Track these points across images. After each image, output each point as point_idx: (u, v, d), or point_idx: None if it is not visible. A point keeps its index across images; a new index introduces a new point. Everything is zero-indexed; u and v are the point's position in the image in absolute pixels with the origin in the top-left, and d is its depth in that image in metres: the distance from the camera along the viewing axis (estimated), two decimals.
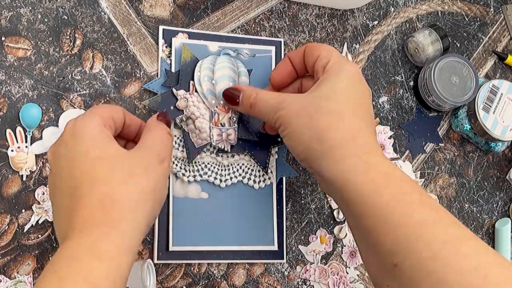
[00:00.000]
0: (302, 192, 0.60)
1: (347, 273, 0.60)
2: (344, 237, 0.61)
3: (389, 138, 0.64)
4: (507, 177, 0.69)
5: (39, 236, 0.52)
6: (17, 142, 0.51)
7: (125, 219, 0.39)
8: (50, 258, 0.52)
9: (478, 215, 0.67)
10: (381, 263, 0.42)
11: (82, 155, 0.41)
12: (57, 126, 0.53)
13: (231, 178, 0.57)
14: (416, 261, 0.39)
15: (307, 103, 0.46)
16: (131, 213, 0.40)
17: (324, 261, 0.60)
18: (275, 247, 0.58)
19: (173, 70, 0.57)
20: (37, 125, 0.52)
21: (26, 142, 0.52)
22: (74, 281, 0.36)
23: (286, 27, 0.63)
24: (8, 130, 0.52)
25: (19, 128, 0.52)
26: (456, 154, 0.68)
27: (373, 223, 0.42)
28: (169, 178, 0.55)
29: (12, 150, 0.51)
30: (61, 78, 0.54)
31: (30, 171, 0.52)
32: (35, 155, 0.52)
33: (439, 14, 0.70)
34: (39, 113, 0.52)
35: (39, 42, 0.54)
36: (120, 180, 0.40)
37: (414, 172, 0.65)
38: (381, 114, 0.65)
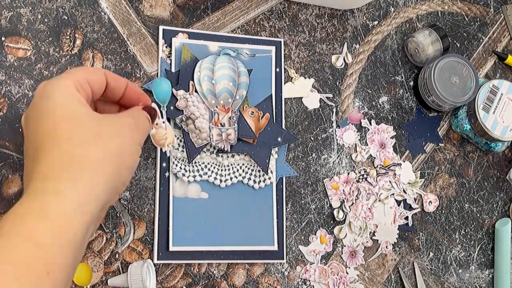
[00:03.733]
0: (302, 192, 0.60)
1: (347, 273, 0.60)
2: (344, 237, 0.61)
3: (391, 138, 0.64)
4: (507, 177, 0.69)
5: None
6: (156, 119, 0.50)
7: (82, 178, 0.37)
8: None
9: (478, 215, 0.67)
10: None
11: (48, 114, 0.39)
12: None
13: (231, 178, 0.57)
14: None
15: None
16: (89, 173, 0.38)
17: (324, 261, 0.60)
18: (275, 247, 0.58)
19: (173, 70, 0.57)
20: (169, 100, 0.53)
21: (162, 117, 0.51)
22: (14, 237, 0.34)
23: (286, 27, 0.63)
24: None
25: (154, 105, 0.49)
26: (456, 154, 0.68)
27: None
28: (168, 178, 0.55)
29: (151, 128, 0.49)
30: None
31: (172, 146, 0.52)
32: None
33: (439, 14, 0.70)
34: (169, 87, 0.52)
35: (39, 42, 0.54)
36: (84, 140, 0.38)
37: (414, 172, 0.65)
38: (381, 114, 0.65)
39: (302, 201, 0.60)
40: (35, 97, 0.41)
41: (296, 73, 0.62)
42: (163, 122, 0.51)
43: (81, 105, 0.40)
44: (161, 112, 0.51)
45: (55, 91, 0.40)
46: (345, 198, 0.62)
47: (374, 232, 0.62)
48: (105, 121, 0.41)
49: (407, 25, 0.68)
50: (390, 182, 0.64)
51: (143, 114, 0.46)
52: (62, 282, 0.35)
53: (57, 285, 0.34)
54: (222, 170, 0.57)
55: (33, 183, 0.37)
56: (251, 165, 0.58)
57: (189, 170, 0.56)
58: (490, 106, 0.65)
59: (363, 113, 0.64)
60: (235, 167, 0.57)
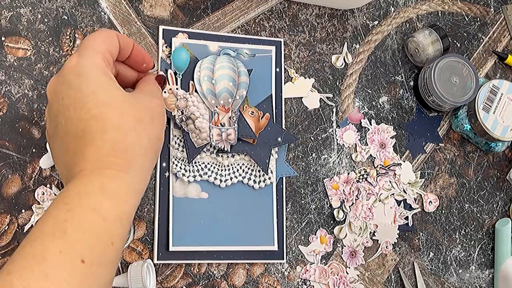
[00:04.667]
0: (302, 192, 0.60)
1: (347, 273, 0.60)
2: (344, 237, 0.61)
3: (391, 138, 0.64)
4: (507, 177, 0.69)
5: None
6: (169, 84, 0.55)
7: (134, 164, 0.41)
8: None
9: (478, 215, 0.67)
10: None
11: (90, 97, 0.41)
12: None
13: (231, 178, 0.57)
14: None
15: None
16: (140, 159, 0.42)
17: (324, 261, 0.60)
18: (275, 247, 0.58)
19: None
20: (185, 69, 0.56)
21: (176, 84, 0.55)
22: (84, 212, 0.37)
23: (286, 27, 0.63)
24: (161, 73, 0.55)
25: (170, 71, 0.55)
26: (456, 154, 0.68)
27: None
28: (168, 178, 0.55)
29: (165, 92, 0.55)
30: None
31: (181, 112, 0.55)
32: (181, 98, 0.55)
33: (439, 14, 0.70)
34: (188, 56, 0.56)
35: (39, 42, 0.54)
36: (131, 127, 0.41)
37: (414, 172, 0.65)
38: (381, 114, 0.65)
39: (302, 201, 0.60)
40: (66, 72, 0.42)
41: (296, 73, 0.62)
42: (177, 89, 0.55)
43: (118, 88, 0.43)
44: (176, 79, 0.55)
45: (91, 72, 0.42)
46: (345, 198, 0.62)
47: (374, 232, 0.62)
48: (143, 105, 0.44)
49: (407, 25, 0.68)
50: (390, 182, 0.64)
51: (159, 88, 0.50)
52: (121, 251, 0.39)
53: (118, 253, 0.39)
54: (222, 170, 0.57)
55: (88, 165, 0.40)
56: (251, 165, 0.58)
57: (189, 170, 0.56)
58: (490, 106, 0.65)
59: (363, 113, 0.64)
60: (235, 167, 0.57)
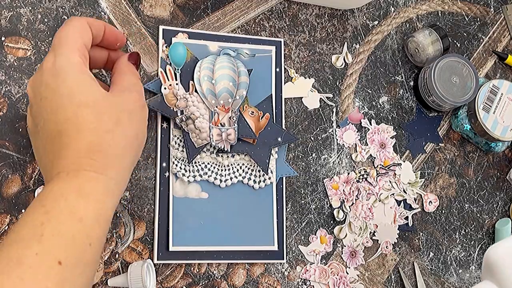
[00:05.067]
0: (302, 192, 0.60)
1: (347, 273, 0.60)
2: (344, 237, 0.61)
3: (391, 138, 0.64)
4: (507, 177, 0.69)
5: None
6: (169, 80, 0.55)
7: (112, 166, 0.41)
8: None
9: (478, 215, 0.67)
10: None
11: (66, 99, 0.40)
12: None
13: (231, 178, 0.57)
14: None
15: None
16: (118, 160, 0.41)
17: (324, 261, 0.60)
18: (275, 247, 0.58)
19: None
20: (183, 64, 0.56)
21: (176, 80, 0.55)
22: (60, 214, 0.37)
23: (286, 27, 0.63)
24: (160, 70, 0.55)
25: (168, 67, 0.55)
26: (456, 154, 0.68)
27: None
28: (168, 178, 0.55)
29: (165, 88, 0.55)
30: None
31: (181, 111, 0.55)
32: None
33: (439, 14, 0.70)
34: (185, 51, 0.56)
35: (39, 42, 0.54)
36: (107, 128, 0.40)
37: (414, 172, 0.65)
38: (381, 114, 0.65)
39: (302, 201, 0.60)
40: (44, 72, 0.41)
41: (296, 73, 0.62)
42: (176, 84, 0.55)
43: (95, 86, 0.42)
44: (175, 74, 0.55)
45: (68, 72, 0.41)
46: (345, 198, 0.62)
47: (374, 232, 0.62)
48: (120, 103, 0.42)
49: (407, 25, 0.68)
50: (390, 182, 0.64)
51: (134, 72, 0.47)
52: (99, 252, 0.39)
53: (97, 255, 0.39)
54: (222, 170, 0.57)
55: (65, 167, 0.39)
56: (251, 165, 0.58)
57: (189, 170, 0.56)
58: (490, 106, 0.65)
59: (363, 113, 0.64)
60: (235, 167, 0.57)
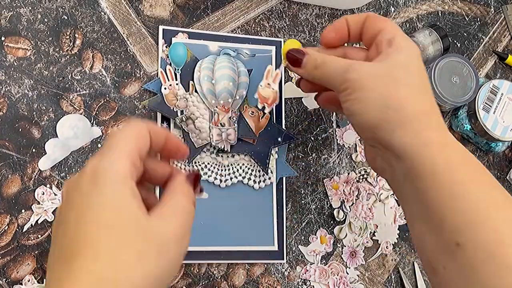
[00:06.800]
0: (302, 192, 0.60)
1: (347, 273, 0.60)
2: (344, 237, 0.61)
3: None
4: (507, 177, 0.69)
5: (39, 236, 0.52)
6: (169, 80, 0.55)
7: None
8: None
9: None
10: (440, 242, 0.41)
11: (94, 215, 0.35)
12: (57, 136, 0.53)
13: (231, 178, 0.57)
14: (481, 242, 0.38)
15: (382, 70, 0.45)
16: None
17: (324, 261, 0.60)
18: (275, 247, 0.58)
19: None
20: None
21: (176, 80, 0.56)
22: None
23: (286, 27, 0.63)
24: (160, 70, 0.56)
25: (168, 67, 0.56)
26: None
27: (442, 199, 0.41)
28: None
29: (165, 88, 0.55)
30: (61, 78, 0.54)
31: (181, 111, 0.55)
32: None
33: (439, 14, 0.70)
34: (185, 51, 0.56)
35: (39, 42, 0.54)
36: (127, 261, 0.34)
37: None
38: None
39: (302, 201, 0.60)
40: (83, 175, 0.36)
41: None
42: (176, 84, 0.55)
43: (133, 204, 0.35)
44: (175, 74, 0.56)
45: (107, 180, 0.35)
46: (345, 198, 0.61)
47: (374, 232, 0.62)
48: (152, 231, 0.36)
49: (407, 25, 0.68)
50: None
51: (188, 196, 0.40)
52: None
53: None
54: (222, 170, 0.57)
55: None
56: (251, 165, 0.58)
57: (189, 170, 0.56)
58: (491, 106, 0.65)
59: None
60: (235, 167, 0.57)
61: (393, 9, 0.68)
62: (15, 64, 0.53)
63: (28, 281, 0.51)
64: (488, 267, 0.38)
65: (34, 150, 0.53)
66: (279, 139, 0.58)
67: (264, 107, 0.55)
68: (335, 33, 0.51)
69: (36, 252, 0.51)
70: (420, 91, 0.44)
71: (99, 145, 0.54)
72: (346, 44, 0.52)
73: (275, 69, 0.56)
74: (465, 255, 0.39)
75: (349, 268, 0.61)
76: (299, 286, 0.59)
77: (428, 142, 0.42)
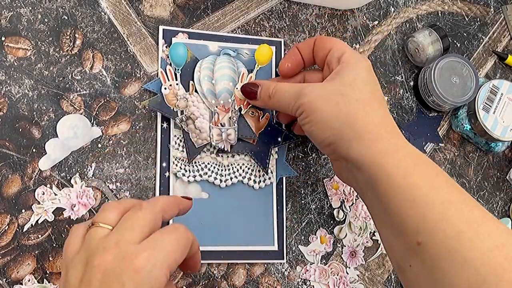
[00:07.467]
0: (302, 192, 0.60)
1: (347, 273, 0.60)
2: (344, 237, 0.61)
3: None
4: (507, 177, 0.69)
5: (39, 236, 0.52)
6: (169, 80, 0.55)
7: None
8: (50, 258, 0.52)
9: None
10: (404, 243, 0.43)
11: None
12: (57, 136, 0.53)
13: (231, 178, 0.57)
14: (440, 239, 0.40)
15: (330, 91, 0.47)
16: None
17: (324, 261, 0.60)
18: (275, 247, 0.58)
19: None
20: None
21: (176, 80, 0.55)
22: None
23: (286, 27, 0.63)
24: (160, 70, 0.55)
25: (168, 67, 0.56)
26: (456, 154, 0.68)
27: (399, 202, 0.43)
28: (168, 178, 0.55)
29: (165, 88, 0.55)
30: (61, 78, 0.54)
31: (181, 111, 0.55)
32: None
33: (439, 14, 0.70)
34: (185, 51, 0.56)
35: (39, 42, 0.54)
36: None
37: None
38: None
39: (302, 201, 0.60)
40: (126, 266, 0.36)
41: None
42: (176, 84, 0.55)
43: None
44: (175, 74, 0.55)
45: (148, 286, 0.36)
46: (345, 198, 0.62)
47: (374, 232, 0.62)
48: None
49: (407, 25, 0.68)
50: None
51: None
52: None
53: None
54: (222, 170, 0.57)
55: None
56: (251, 165, 0.58)
57: (189, 170, 0.56)
58: (490, 106, 0.65)
59: None
60: (235, 167, 0.57)
61: (393, 9, 0.68)
62: (15, 64, 0.53)
63: (28, 281, 0.51)
64: (448, 263, 0.39)
65: (34, 150, 0.53)
66: (279, 139, 0.58)
67: (240, 108, 0.56)
68: (290, 63, 0.55)
69: (36, 252, 0.51)
70: (369, 104, 0.47)
71: (99, 145, 0.54)
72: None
73: (249, 73, 0.58)
74: (427, 253, 0.41)
75: (349, 268, 0.61)
76: (299, 286, 0.59)
77: (381, 151, 0.45)
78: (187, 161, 0.56)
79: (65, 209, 0.53)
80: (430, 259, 0.40)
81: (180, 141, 0.56)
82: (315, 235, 0.60)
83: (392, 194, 0.43)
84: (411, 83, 0.67)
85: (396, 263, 0.45)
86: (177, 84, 0.55)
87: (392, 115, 0.65)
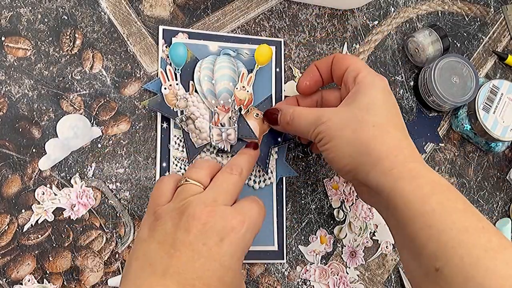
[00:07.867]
0: (302, 192, 0.60)
1: (347, 273, 0.60)
2: (344, 237, 0.61)
3: None
4: (507, 177, 0.69)
5: (39, 236, 0.52)
6: (169, 80, 0.55)
7: None
8: (50, 258, 0.52)
9: None
10: (422, 268, 0.43)
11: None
12: (57, 136, 0.53)
13: None
14: (457, 266, 0.40)
15: (348, 116, 0.48)
16: None
17: (324, 261, 0.60)
18: (275, 247, 0.58)
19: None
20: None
21: (176, 80, 0.55)
22: None
23: (286, 27, 0.63)
24: (160, 70, 0.55)
25: (168, 67, 0.56)
26: (456, 154, 0.68)
27: (418, 229, 0.43)
28: None
29: (165, 88, 0.55)
30: (61, 78, 0.54)
31: (181, 111, 0.55)
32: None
33: (439, 14, 0.70)
34: (185, 51, 0.55)
35: (39, 42, 0.54)
36: None
37: None
38: None
39: (302, 201, 0.60)
40: (214, 274, 0.40)
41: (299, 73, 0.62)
42: (176, 84, 0.55)
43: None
44: (175, 74, 0.55)
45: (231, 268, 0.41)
46: (345, 198, 0.62)
47: (374, 232, 0.62)
48: None
49: (407, 25, 0.68)
50: None
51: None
52: None
53: None
54: None
55: None
56: None
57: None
58: (490, 106, 0.65)
59: None
60: None
61: (393, 9, 0.68)
62: (15, 64, 0.53)
63: (28, 281, 0.51)
64: None
65: (34, 150, 0.53)
66: (279, 139, 0.58)
67: (240, 108, 0.56)
68: (309, 81, 0.55)
69: (36, 252, 0.51)
70: (386, 129, 0.47)
71: (99, 145, 0.54)
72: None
73: (249, 73, 0.58)
74: (445, 280, 0.41)
75: (349, 268, 0.61)
76: (299, 286, 0.59)
77: (398, 178, 0.45)
78: (187, 161, 0.55)
79: (65, 209, 0.53)
80: (447, 285, 0.40)
81: (180, 141, 0.56)
82: (315, 235, 0.60)
83: (410, 220, 0.43)
84: (411, 83, 0.67)
85: (415, 285, 0.45)
86: (177, 84, 0.55)
87: None
